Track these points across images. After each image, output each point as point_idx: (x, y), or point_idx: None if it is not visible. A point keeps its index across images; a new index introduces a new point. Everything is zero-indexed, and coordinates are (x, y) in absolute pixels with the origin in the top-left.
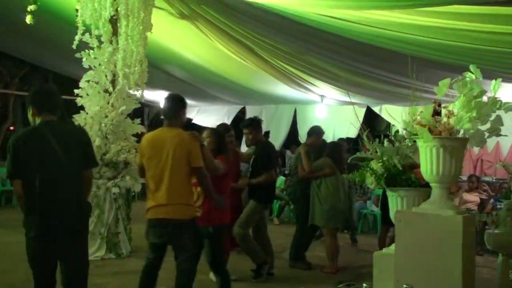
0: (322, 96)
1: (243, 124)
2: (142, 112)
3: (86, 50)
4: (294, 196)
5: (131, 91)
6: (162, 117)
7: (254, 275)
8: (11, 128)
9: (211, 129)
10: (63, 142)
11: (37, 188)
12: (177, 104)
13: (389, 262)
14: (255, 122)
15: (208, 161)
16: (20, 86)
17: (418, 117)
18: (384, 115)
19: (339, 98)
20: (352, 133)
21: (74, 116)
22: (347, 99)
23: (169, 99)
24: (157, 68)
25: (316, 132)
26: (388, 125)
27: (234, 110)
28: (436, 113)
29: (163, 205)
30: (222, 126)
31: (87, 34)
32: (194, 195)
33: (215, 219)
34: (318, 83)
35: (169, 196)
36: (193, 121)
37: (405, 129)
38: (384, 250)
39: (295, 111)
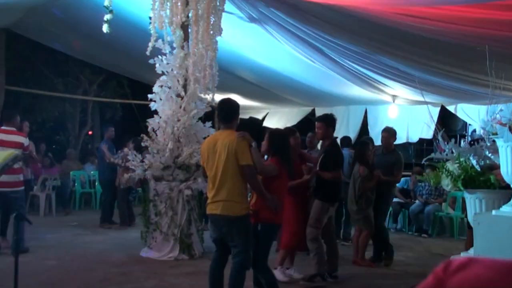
0: (393, 96)
1: (317, 118)
2: (213, 115)
3: (159, 56)
4: None
5: (202, 95)
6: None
7: (308, 278)
8: (90, 132)
9: (268, 132)
10: None
11: None
12: (229, 108)
13: None
14: (328, 119)
15: (255, 161)
16: (97, 92)
17: (498, 116)
18: (460, 114)
19: (411, 97)
20: (427, 133)
21: (148, 120)
22: (419, 98)
23: (222, 104)
24: (227, 72)
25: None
26: (465, 124)
27: (303, 112)
28: None
29: (215, 202)
30: (287, 129)
31: (159, 41)
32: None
33: (264, 218)
34: (389, 83)
35: (221, 193)
36: (263, 123)
37: (483, 128)
38: (462, 254)
39: (365, 112)
